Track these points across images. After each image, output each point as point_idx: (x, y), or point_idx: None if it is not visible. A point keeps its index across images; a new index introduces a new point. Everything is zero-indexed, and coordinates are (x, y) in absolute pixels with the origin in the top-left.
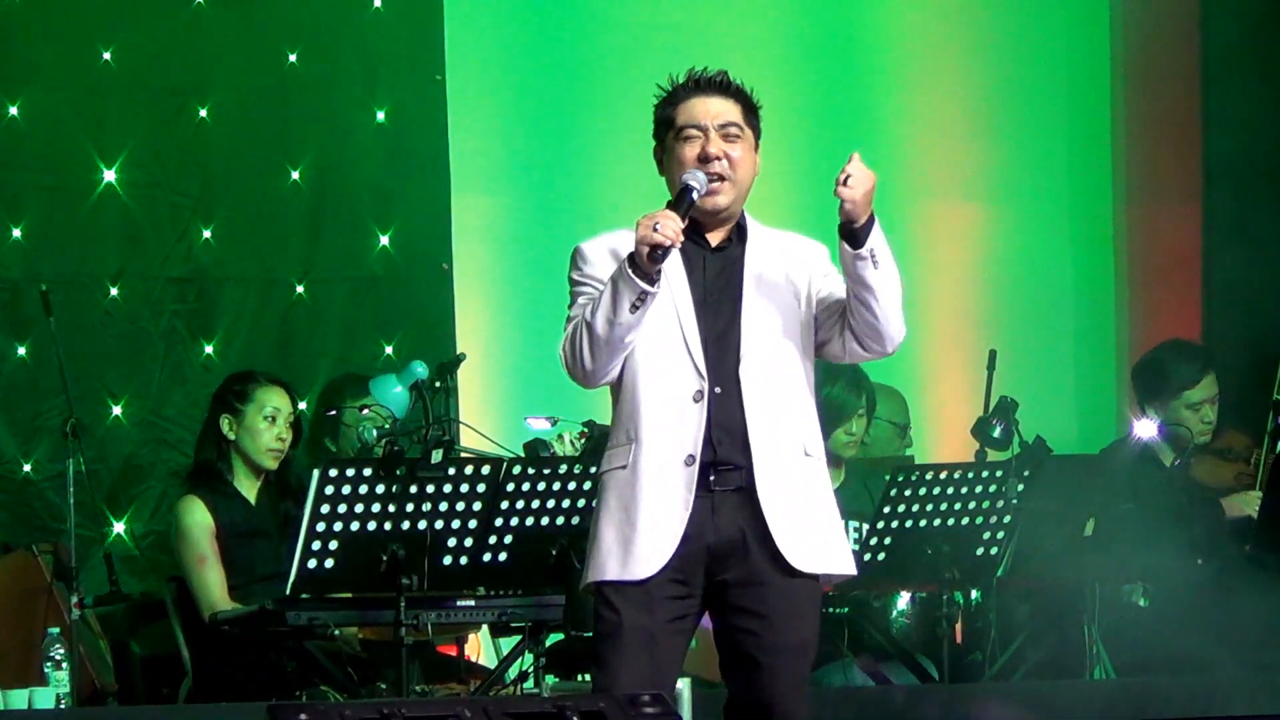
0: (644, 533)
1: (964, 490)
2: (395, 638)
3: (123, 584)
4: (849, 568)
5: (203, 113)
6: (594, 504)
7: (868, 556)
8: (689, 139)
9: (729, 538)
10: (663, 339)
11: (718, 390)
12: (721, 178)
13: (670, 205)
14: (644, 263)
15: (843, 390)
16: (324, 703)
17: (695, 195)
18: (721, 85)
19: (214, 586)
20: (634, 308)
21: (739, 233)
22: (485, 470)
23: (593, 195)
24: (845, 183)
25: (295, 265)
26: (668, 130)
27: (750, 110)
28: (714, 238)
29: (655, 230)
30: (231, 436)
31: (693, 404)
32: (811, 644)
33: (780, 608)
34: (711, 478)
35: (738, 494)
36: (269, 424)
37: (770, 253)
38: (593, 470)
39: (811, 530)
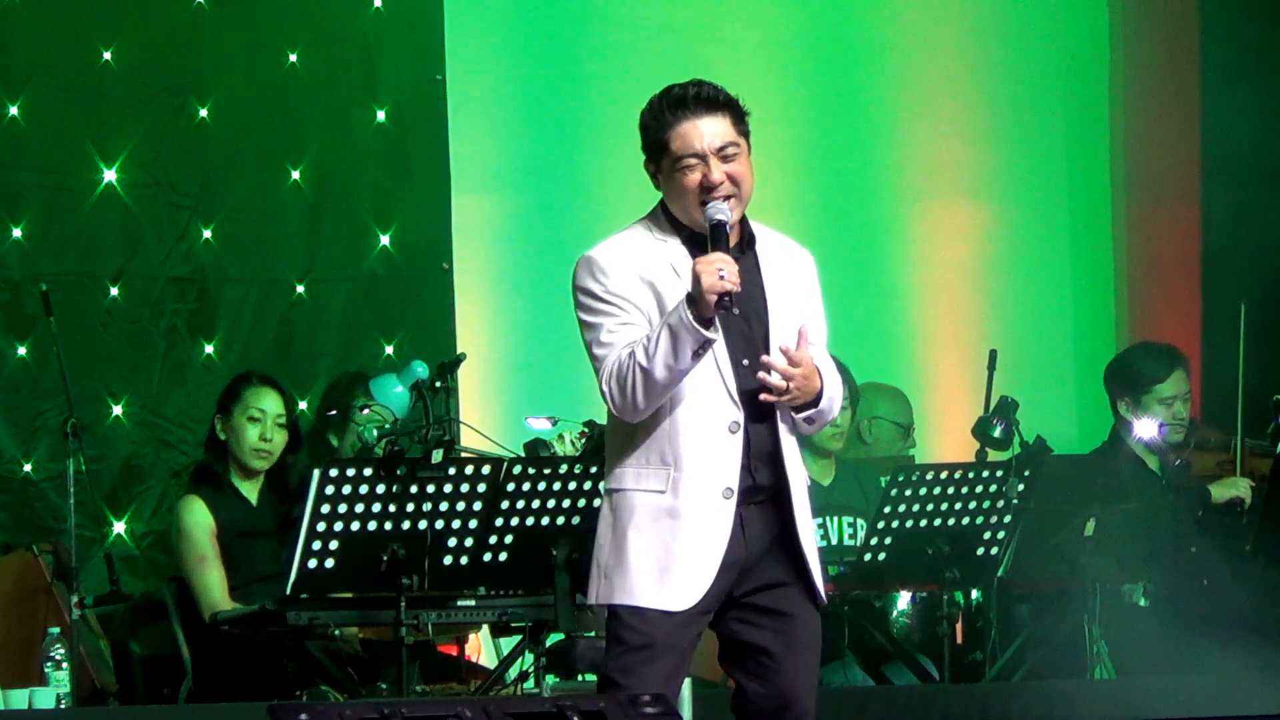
0: (685, 565)
1: (964, 490)
2: (395, 638)
3: (123, 584)
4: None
5: (203, 113)
6: (609, 513)
7: (868, 556)
8: (689, 168)
9: (758, 549)
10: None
11: (752, 417)
12: (729, 196)
13: (714, 247)
14: (708, 311)
15: None
16: (324, 703)
17: (728, 229)
18: (709, 102)
19: (214, 586)
20: (696, 355)
21: (746, 238)
22: (485, 470)
23: (592, 195)
24: (786, 387)
25: (295, 265)
26: (662, 155)
27: (740, 118)
28: None
29: (723, 278)
30: (222, 438)
31: (729, 435)
32: (820, 642)
33: (801, 609)
34: (742, 498)
35: (765, 505)
36: (253, 424)
37: (779, 257)
38: (593, 470)
39: (812, 538)
